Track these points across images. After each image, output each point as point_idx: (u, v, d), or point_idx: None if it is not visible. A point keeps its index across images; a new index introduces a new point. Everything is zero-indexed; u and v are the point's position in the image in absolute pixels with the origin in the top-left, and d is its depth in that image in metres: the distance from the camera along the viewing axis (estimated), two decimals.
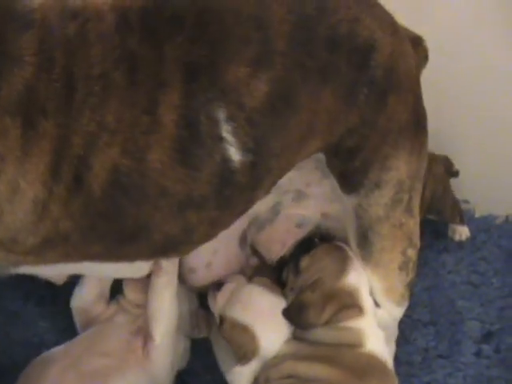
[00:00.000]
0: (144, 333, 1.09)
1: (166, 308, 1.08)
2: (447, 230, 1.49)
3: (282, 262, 1.17)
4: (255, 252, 1.22)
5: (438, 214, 1.47)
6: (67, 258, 0.91)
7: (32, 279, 1.27)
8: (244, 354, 1.05)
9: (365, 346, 1.02)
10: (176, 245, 0.94)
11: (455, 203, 1.48)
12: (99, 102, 0.80)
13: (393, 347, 1.18)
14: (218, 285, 1.13)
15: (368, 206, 1.01)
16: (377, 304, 1.09)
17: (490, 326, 1.33)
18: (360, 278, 1.06)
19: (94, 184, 0.82)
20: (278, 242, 1.19)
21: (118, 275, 1.11)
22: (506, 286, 1.39)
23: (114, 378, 1.05)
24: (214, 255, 1.15)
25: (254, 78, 0.85)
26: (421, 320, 1.34)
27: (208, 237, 0.97)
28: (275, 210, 1.15)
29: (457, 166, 1.47)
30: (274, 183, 0.98)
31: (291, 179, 1.08)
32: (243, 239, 1.19)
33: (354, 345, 1.02)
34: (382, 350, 1.04)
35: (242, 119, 0.85)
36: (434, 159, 1.45)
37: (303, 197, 1.14)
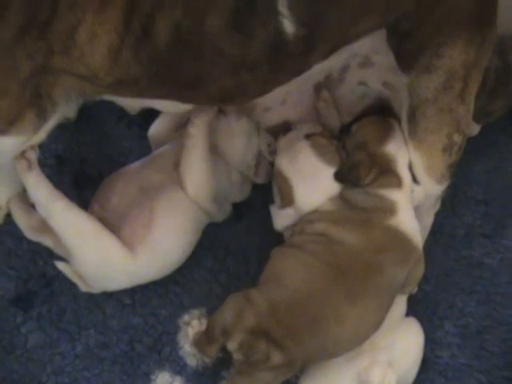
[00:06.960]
0: None
1: (194, 169, 1.18)
2: None
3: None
4: None
5: None
6: (139, 95, 1.07)
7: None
8: (282, 199, 1.15)
9: (394, 220, 1.09)
10: (231, 96, 1.05)
11: None
12: None
13: (431, 219, 1.25)
14: (286, 129, 1.20)
15: (418, 87, 1.06)
16: (416, 181, 1.14)
17: None
18: (399, 150, 1.12)
19: (159, 37, 0.94)
20: (342, 111, 1.26)
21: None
22: None
23: (165, 191, 1.18)
24: (288, 94, 1.21)
25: None
26: (474, 197, 1.37)
27: (263, 93, 1.07)
28: (342, 76, 1.21)
29: None
30: (332, 50, 1.04)
31: (361, 43, 1.10)
32: (319, 90, 1.24)
33: (385, 215, 1.08)
34: (411, 227, 1.10)
35: None
36: None
37: (369, 64, 1.17)
